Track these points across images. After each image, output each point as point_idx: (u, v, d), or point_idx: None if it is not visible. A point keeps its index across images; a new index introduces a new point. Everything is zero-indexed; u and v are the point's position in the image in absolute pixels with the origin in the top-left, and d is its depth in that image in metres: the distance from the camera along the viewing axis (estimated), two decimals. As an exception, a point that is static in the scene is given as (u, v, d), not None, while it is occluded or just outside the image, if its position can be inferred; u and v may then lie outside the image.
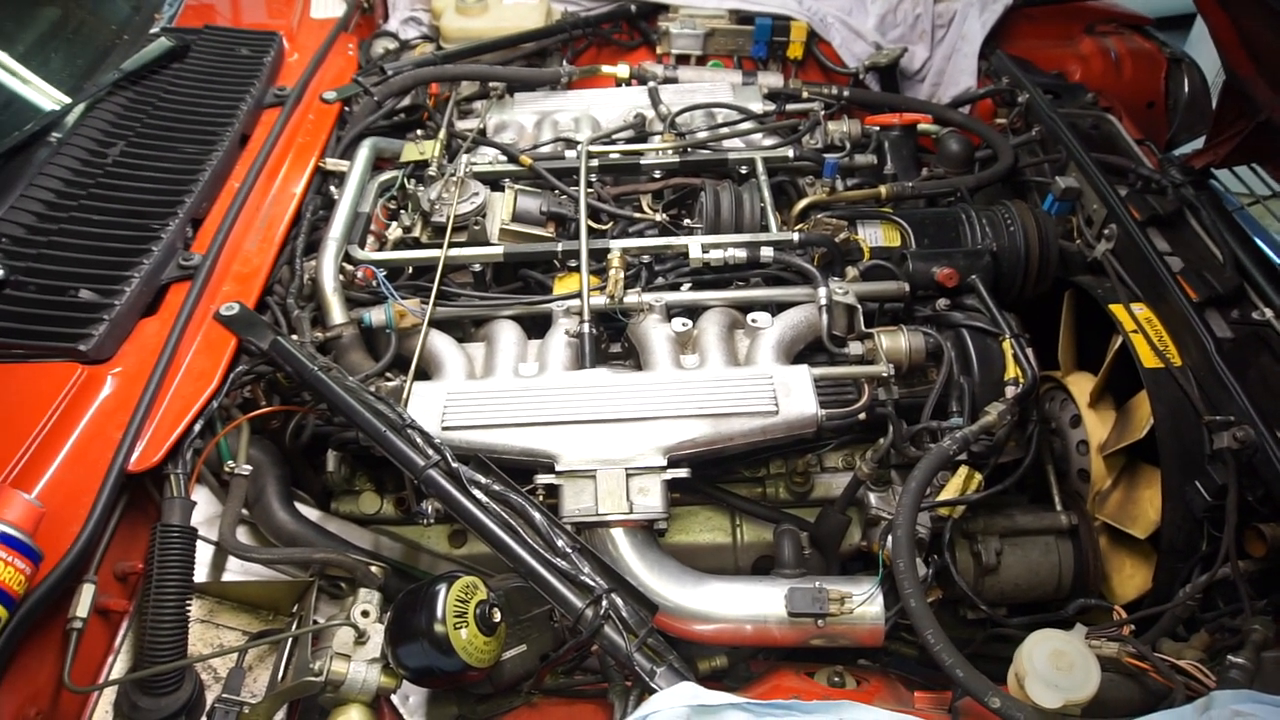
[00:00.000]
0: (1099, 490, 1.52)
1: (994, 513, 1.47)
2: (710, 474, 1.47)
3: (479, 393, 1.36)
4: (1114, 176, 1.76)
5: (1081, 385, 1.62)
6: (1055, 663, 1.05)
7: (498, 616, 1.08)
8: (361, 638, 1.14)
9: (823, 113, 1.98)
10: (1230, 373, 1.37)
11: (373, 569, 1.27)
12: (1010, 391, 1.37)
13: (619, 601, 1.08)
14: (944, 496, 1.33)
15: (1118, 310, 1.52)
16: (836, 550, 1.41)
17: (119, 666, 1.14)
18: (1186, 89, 2.22)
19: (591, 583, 1.09)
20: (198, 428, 1.25)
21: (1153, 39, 2.32)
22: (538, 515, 1.14)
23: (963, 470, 1.35)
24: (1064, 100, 2.07)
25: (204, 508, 1.27)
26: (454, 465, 1.17)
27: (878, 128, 1.97)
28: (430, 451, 1.20)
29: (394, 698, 1.17)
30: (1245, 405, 1.32)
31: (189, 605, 1.14)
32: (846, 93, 2.10)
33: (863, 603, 1.21)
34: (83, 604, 1.07)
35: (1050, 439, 1.60)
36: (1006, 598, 1.46)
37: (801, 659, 1.32)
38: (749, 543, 1.47)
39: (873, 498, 1.39)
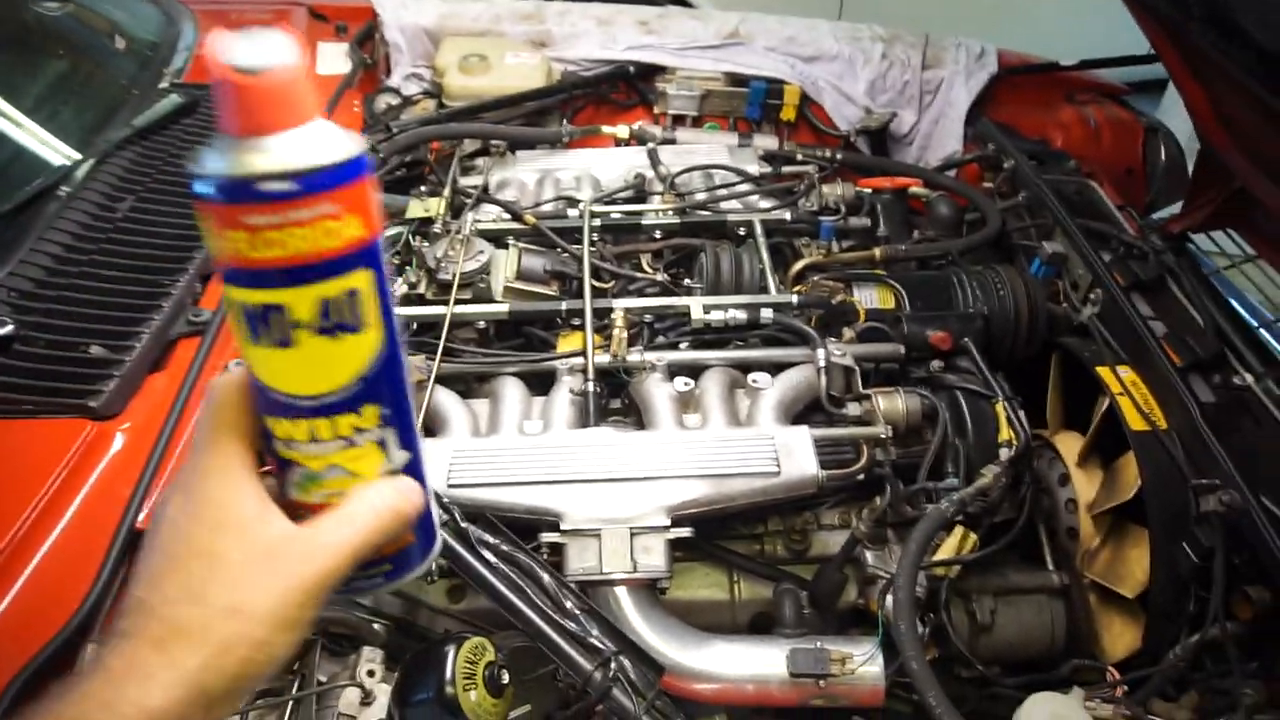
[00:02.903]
0: (1087, 549, 1.56)
1: (987, 571, 1.49)
2: (708, 530, 1.49)
3: (485, 450, 1.38)
4: (1097, 242, 1.82)
5: (1069, 444, 1.66)
6: (1054, 726, 1.08)
7: (506, 678, 1.09)
8: (367, 698, 1.14)
9: (817, 175, 2.04)
10: (1214, 437, 1.41)
11: (376, 626, 1.27)
12: (1004, 454, 1.41)
13: (627, 664, 1.09)
14: (940, 556, 1.36)
15: (1105, 373, 1.56)
16: (834, 608, 1.43)
17: (120, 727, 1.13)
18: (1163, 157, 2.31)
19: (600, 645, 1.10)
20: (205, 484, 1.25)
21: (1129, 108, 2.41)
22: (546, 576, 1.16)
23: (958, 530, 1.38)
24: (1048, 166, 2.14)
25: (208, 564, 1.27)
26: (463, 525, 1.19)
27: (870, 190, 2.03)
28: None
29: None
30: (1230, 469, 1.36)
31: (193, 664, 1.14)
32: (839, 155, 2.16)
33: (863, 663, 1.22)
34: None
35: (1039, 497, 1.63)
36: (1000, 656, 1.48)
37: (796, 717, 1.33)
38: (746, 599, 1.48)
39: (869, 556, 1.42)
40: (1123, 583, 1.47)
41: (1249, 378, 1.55)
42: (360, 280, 0.48)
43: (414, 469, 0.57)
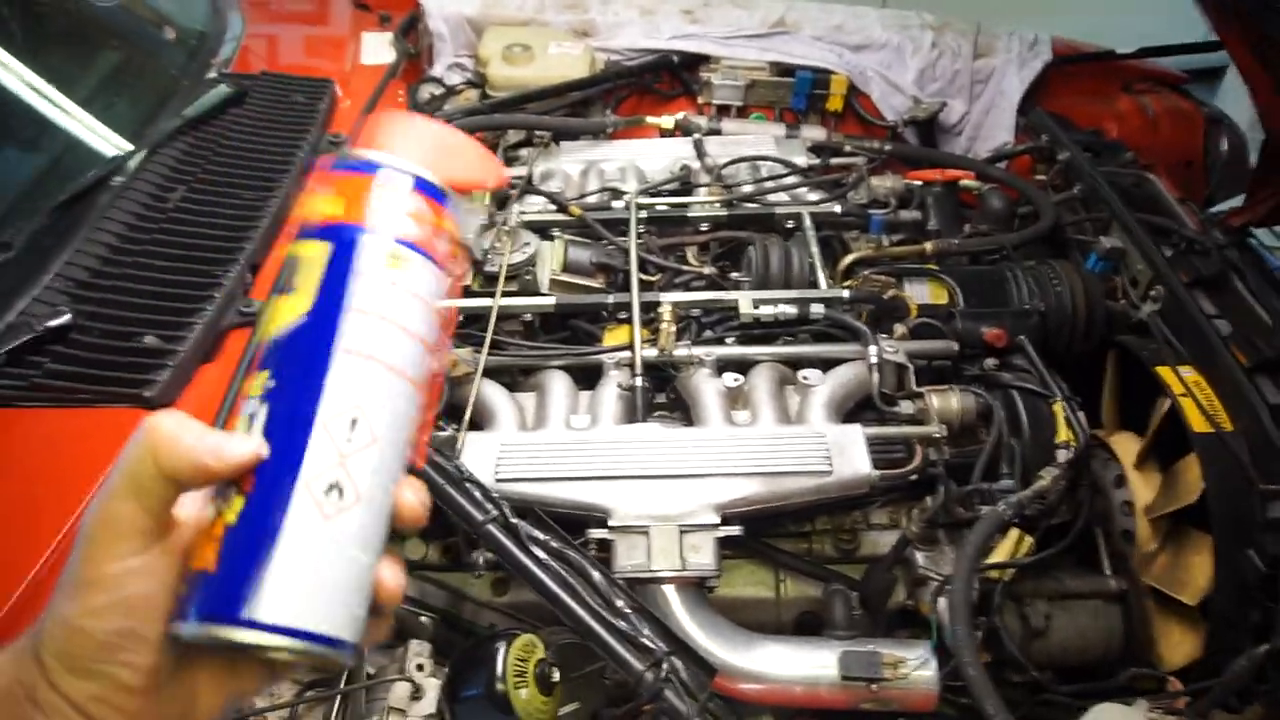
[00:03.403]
0: (1145, 553, 1.52)
1: (1041, 575, 1.46)
2: (755, 528, 1.48)
3: (532, 444, 1.38)
4: (1157, 236, 1.77)
5: (1126, 446, 1.61)
6: (1117, 738, 1.05)
7: (556, 676, 1.08)
8: (417, 693, 1.14)
9: (866, 167, 2.00)
10: (1285, 441, 1.37)
11: (422, 619, 1.28)
12: (1063, 455, 1.37)
13: (679, 665, 1.08)
14: (994, 559, 1.33)
15: (1165, 373, 1.52)
16: (884, 609, 1.41)
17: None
18: (1225, 148, 2.23)
19: (651, 645, 1.09)
20: (257, 475, 1.26)
21: (1190, 98, 2.34)
22: (596, 574, 1.15)
23: (1013, 533, 1.35)
24: (1103, 158, 2.08)
25: (259, 555, 1.28)
26: (513, 521, 1.18)
27: (920, 183, 1.99)
28: (488, 506, 1.20)
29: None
30: (1300, 474, 1.32)
31: (245, 654, 1.15)
32: (888, 147, 2.12)
33: (917, 668, 1.20)
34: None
35: (1094, 499, 1.59)
36: (1054, 662, 1.45)
37: (840, 718, 1.31)
38: (792, 598, 1.47)
39: (920, 557, 1.39)
40: (1183, 589, 1.42)
41: (1319, 379, 1.50)
42: (313, 249, 0.53)
43: (264, 473, 0.48)
